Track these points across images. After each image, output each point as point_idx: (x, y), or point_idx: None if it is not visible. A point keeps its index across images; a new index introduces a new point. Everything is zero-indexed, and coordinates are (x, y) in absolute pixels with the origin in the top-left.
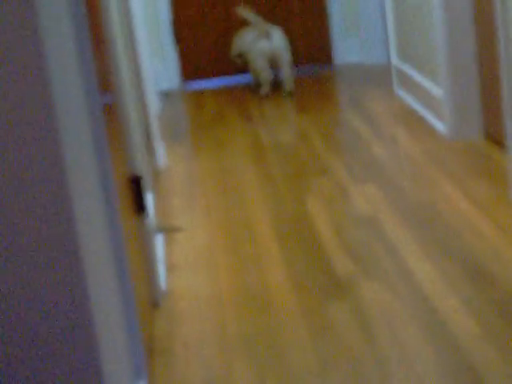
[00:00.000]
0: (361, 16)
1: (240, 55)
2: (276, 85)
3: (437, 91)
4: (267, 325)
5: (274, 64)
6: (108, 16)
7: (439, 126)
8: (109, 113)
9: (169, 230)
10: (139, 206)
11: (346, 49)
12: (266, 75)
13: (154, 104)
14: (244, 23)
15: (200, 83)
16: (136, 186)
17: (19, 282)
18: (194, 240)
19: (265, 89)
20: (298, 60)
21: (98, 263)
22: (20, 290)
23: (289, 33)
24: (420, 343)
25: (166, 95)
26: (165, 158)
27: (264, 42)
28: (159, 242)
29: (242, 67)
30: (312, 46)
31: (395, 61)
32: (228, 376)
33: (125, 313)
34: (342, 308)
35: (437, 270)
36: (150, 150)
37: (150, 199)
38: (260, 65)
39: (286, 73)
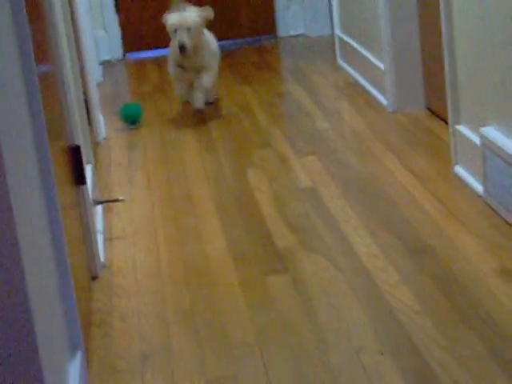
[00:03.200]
0: None
1: None
2: None
3: (379, 64)
4: (206, 297)
5: None
6: None
7: (382, 99)
8: (46, 82)
9: (108, 202)
10: (78, 177)
11: (290, 20)
12: None
13: (94, 74)
14: None
15: (142, 53)
16: (74, 157)
17: None
18: (134, 212)
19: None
20: (241, 31)
21: (32, 234)
22: None
23: (232, 4)
24: (359, 316)
25: (108, 64)
26: (105, 128)
27: None
28: (98, 213)
29: None
30: (255, 17)
31: (339, 33)
32: (166, 348)
33: (61, 285)
34: (281, 281)
35: (377, 244)
36: (89, 120)
37: (89, 170)
38: None
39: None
